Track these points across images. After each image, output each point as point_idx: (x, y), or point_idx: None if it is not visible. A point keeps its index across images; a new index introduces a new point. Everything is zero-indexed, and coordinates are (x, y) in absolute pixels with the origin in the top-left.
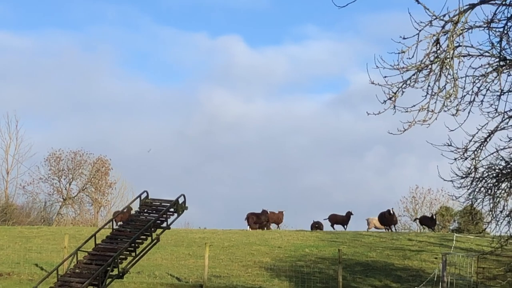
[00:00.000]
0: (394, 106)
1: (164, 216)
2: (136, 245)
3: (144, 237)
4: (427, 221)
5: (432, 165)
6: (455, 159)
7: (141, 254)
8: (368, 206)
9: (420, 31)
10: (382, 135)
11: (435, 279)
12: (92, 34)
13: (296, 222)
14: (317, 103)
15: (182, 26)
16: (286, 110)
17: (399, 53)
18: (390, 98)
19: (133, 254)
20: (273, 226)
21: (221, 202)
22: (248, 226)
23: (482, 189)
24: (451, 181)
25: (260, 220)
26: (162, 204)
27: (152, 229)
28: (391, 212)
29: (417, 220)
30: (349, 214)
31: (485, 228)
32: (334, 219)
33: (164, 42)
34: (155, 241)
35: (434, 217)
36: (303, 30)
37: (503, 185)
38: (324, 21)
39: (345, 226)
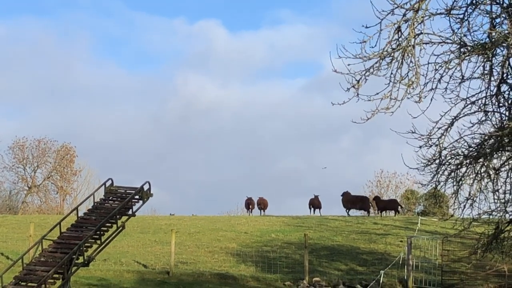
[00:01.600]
0: (358, 94)
1: (129, 203)
2: (102, 232)
3: (110, 224)
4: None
5: (405, 149)
6: (420, 146)
7: (107, 241)
8: (340, 190)
9: (382, 20)
10: (357, 119)
11: (400, 262)
12: (64, 20)
13: (272, 208)
14: (292, 87)
15: (159, 11)
16: (261, 95)
17: (361, 42)
18: (353, 86)
19: (99, 241)
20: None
21: (194, 188)
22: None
23: (445, 172)
24: (416, 168)
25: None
26: (127, 191)
27: (117, 216)
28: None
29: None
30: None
31: (452, 214)
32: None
33: (140, 28)
34: (120, 228)
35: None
36: (278, 15)
37: (464, 169)
38: (298, 5)
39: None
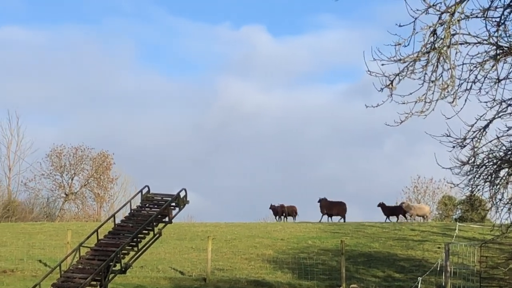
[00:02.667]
0: (391, 94)
1: (165, 210)
2: (138, 239)
3: (146, 231)
4: (390, 210)
5: (441, 151)
6: (454, 146)
7: (144, 248)
8: (380, 196)
9: (416, 18)
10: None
11: (438, 268)
12: (106, 27)
13: (309, 214)
14: (333, 92)
15: (201, 17)
16: (302, 101)
17: (395, 45)
18: (387, 86)
19: (136, 249)
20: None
21: (233, 195)
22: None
23: (482, 175)
24: (449, 168)
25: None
26: (164, 198)
27: (154, 223)
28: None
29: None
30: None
31: (485, 215)
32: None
33: (181, 34)
34: (157, 235)
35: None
36: (320, 19)
37: (503, 172)
38: (339, 9)
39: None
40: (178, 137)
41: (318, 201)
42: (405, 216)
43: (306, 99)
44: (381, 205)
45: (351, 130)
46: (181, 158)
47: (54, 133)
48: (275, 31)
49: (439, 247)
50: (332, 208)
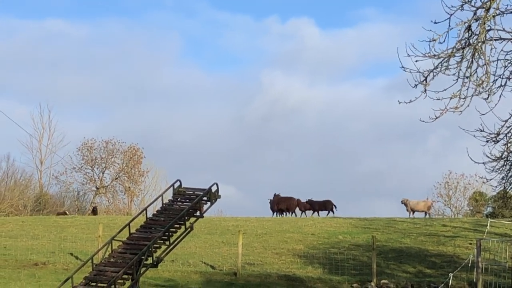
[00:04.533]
0: (425, 90)
1: (197, 204)
2: (170, 233)
3: (178, 225)
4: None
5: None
6: (487, 141)
7: (175, 242)
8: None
9: (451, 15)
10: (446, 117)
11: (469, 265)
12: (148, 21)
13: (348, 209)
14: (375, 87)
15: (246, 11)
16: (345, 96)
17: (430, 41)
18: (421, 83)
19: (167, 243)
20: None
21: (270, 189)
22: None
23: None
24: (483, 163)
25: None
26: (195, 192)
27: (186, 217)
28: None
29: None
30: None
31: None
32: None
33: (224, 27)
34: (188, 229)
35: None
36: (363, 13)
37: None
38: (382, 3)
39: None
40: (218, 131)
41: (272, 198)
42: (333, 211)
43: (349, 95)
44: (309, 202)
45: (392, 124)
46: (220, 152)
47: (93, 127)
48: (324, 24)
49: (470, 243)
50: (281, 203)
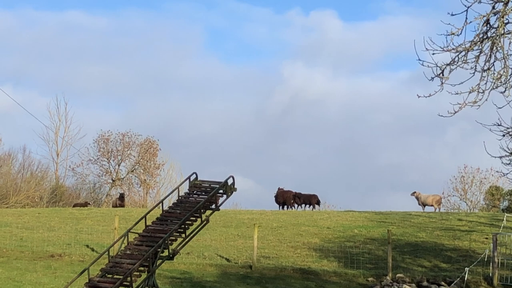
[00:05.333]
0: (442, 83)
1: (213, 197)
2: (186, 226)
3: (194, 218)
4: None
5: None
6: (503, 135)
7: (191, 235)
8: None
9: (468, 7)
10: (466, 110)
11: (485, 259)
12: (168, 13)
13: (364, 203)
14: (396, 80)
15: (268, 2)
16: (366, 88)
17: (448, 34)
18: (438, 76)
19: (183, 235)
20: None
21: (289, 182)
22: None
23: None
24: (499, 157)
25: None
26: (211, 185)
27: (202, 210)
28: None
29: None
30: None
31: None
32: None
33: (245, 19)
34: (204, 222)
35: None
36: (383, 6)
37: None
38: None
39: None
40: (238, 124)
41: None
42: (315, 207)
43: (370, 87)
44: (297, 194)
45: (413, 118)
46: (240, 144)
47: (113, 118)
48: (346, 16)
49: (486, 238)
50: (279, 196)
